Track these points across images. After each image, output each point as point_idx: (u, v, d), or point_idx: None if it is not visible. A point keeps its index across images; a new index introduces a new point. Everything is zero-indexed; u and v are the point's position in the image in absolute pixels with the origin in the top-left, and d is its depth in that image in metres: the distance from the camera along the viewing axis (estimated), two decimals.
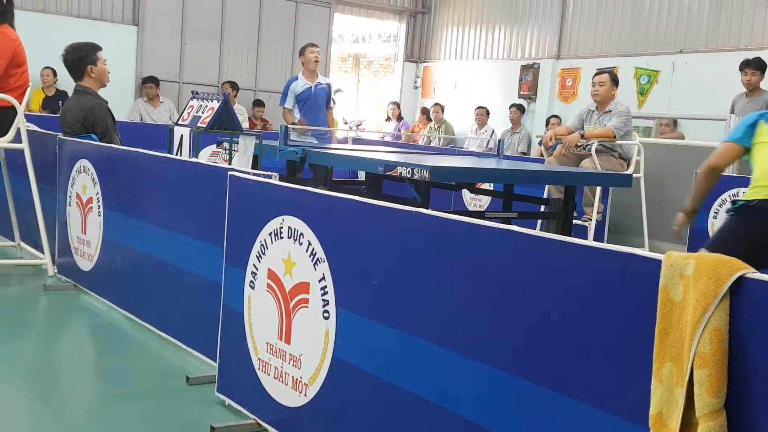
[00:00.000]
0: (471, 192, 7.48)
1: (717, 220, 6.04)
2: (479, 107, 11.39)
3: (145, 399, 3.01)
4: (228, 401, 2.87)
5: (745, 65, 7.20)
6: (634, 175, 5.88)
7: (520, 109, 11.28)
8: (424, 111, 12.68)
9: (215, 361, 2.98)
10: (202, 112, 4.04)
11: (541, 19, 11.63)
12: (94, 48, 4.91)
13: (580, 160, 6.38)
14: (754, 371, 1.39)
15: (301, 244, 2.49)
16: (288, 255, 2.55)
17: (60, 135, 4.76)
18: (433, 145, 11.35)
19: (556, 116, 10.50)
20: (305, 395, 2.48)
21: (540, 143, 7.48)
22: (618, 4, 10.48)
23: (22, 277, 4.81)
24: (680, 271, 1.48)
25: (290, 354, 2.55)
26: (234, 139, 4.07)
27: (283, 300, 2.58)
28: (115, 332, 3.83)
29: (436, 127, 11.93)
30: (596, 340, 1.65)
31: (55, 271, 4.75)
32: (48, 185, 4.74)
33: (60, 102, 9.14)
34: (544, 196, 6.22)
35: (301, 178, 6.07)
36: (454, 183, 5.62)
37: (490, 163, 5.31)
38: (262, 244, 2.69)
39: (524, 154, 10.61)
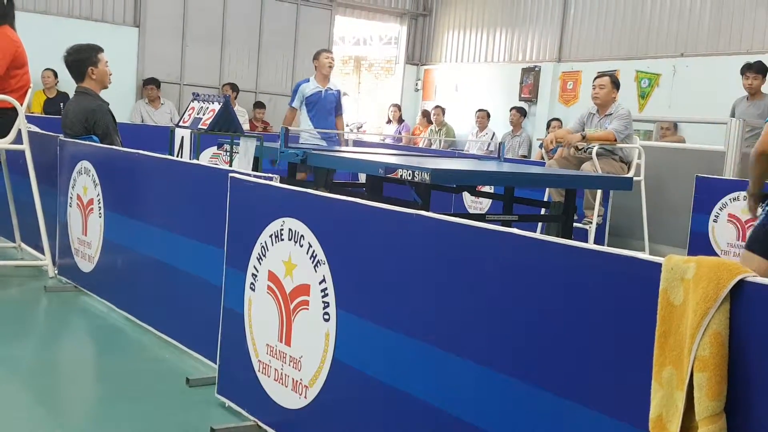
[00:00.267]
0: (472, 195, 7.49)
1: (717, 223, 6.05)
2: (480, 110, 11.40)
3: (145, 400, 3.01)
4: (228, 403, 2.87)
5: (747, 69, 7.19)
6: (634, 178, 5.87)
7: (521, 111, 11.28)
8: (425, 113, 12.68)
9: (215, 363, 2.98)
10: (203, 114, 4.04)
11: (542, 22, 11.63)
12: (95, 49, 4.91)
13: (580, 163, 6.38)
14: (754, 375, 1.39)
15: (301, 246, 2.49)
16: (288, 257, 2.55)
17: (61, 136, 4.76)
18: (433, 147, 11.34)
19: (557, 119, 10.49)
20: (305, 397, 2.48)
21: (541, 146, 7.47)
22: (619, 7, 10.48)
23: (23, 278, 4.81)
24: (680, 274, 1.48)
25: (290, 356, 2.55)
26: (235, 141, 4.07)
27: (284, 302, 2.58)
28: (115, 333, 3.83)
29: (436, 129, 11.93)
30: (596, 343, 1.65)
31: (56, 272, 4.75)
32: (49, 186, 4.74)
33: (61, 103, 9.14)
34: (545, 199, 6.21)
35: (307, 180, 6.07)
36: (454, 186, 5.63)
37: (491, 166, 5.32)
38: (262, 246, 2.69)
39: (525, 156, 10.60)
